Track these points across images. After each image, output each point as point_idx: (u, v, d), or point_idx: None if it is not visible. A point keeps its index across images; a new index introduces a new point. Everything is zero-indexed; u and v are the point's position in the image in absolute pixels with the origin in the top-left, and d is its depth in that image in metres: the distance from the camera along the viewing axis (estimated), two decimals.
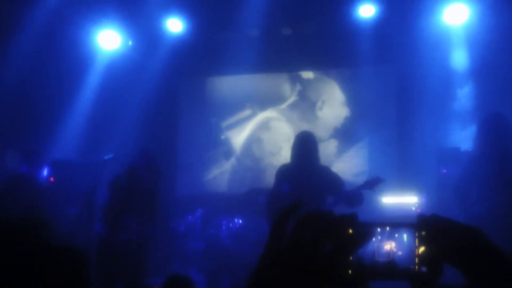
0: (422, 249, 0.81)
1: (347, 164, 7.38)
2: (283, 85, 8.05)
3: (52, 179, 6.73)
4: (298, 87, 8.00)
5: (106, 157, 5.24)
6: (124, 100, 7.34)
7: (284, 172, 4.94)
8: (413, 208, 5.91)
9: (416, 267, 0.80)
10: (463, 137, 5.83)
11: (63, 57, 6.88)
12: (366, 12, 6.85)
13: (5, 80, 6.34)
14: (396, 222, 0.83)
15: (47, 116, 7.04)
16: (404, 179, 6.44)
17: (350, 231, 0.78)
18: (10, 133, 6.85)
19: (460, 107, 6.52)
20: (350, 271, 0.78)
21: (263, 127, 7.99)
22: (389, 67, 7.62)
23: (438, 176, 6.07)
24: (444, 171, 6.04)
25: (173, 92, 8.19)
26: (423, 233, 0.82)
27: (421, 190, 5.95)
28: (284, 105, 7.98)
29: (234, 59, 7.28)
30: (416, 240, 0.82)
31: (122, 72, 7.40)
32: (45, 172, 6.61)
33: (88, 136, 7.10)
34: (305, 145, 4.85)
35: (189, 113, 8.21)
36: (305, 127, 7.11)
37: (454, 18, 6.57)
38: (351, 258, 0.78)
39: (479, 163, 4.62)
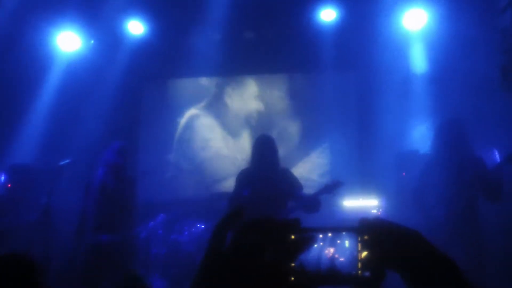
0: (364, 253, 0.80)
1: (311, 165, 7.41)
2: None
3: (9, 185, 6.55)
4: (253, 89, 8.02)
5: (63, 162, 5.15)
6: (84, 103, 7.21)
7: (244, 176, 4.94)
8: (374, 211, 5.97)
9: (359, 271, 0.79)
10: (422, 141, 5.92)
11: (21, 59, 6.72)
12: (327, 16, 6.91)
13: None
14: (338, 227, 0.82)
15: (4, 119, 6.85)
16: (365, 182, 6.50)
17: (292, 236, 0.77)
18: None
19: (419, 111, 6.63)
20: (292, 278, 0.77)
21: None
22: (350, 71, 7.70)
23: (398, 179, 6.16)
24: (404, 174, 6.13)
25: (134, 94, 8.08)
26: (366, 237, 0.81)
27: (381, 193, 6.02)
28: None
29: (195, 61, 7.24)
30: (359, 245, 0.81)
31: (82, 74, 7.27)
32: (1, 178, 6.44)
33: (47, 140, 6.94)
34: (264, 148, 4.86)
35: (151, 116, 8.12)
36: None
37: (413, 23, 6.68)
38: (293, 264, 0.77)
39: (435, 168, 4.70)
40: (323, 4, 6.85)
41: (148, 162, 7.82)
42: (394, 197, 5.89)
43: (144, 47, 7.38)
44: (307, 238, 0.76)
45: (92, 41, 7.28)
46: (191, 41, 7.39)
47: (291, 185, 4.84)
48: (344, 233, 0.82)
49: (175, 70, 7.80)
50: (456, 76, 6.31)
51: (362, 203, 6.01)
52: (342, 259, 0.80)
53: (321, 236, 0.81)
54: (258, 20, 7.22)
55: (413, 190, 4.90)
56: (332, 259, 0.80)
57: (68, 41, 7.10)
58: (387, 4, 6.48)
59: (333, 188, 4.84)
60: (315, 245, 0.80)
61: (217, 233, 0.79)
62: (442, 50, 6.48)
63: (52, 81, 7.22)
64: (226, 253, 0.76)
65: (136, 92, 8.13)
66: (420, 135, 6.17)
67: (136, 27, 7.18)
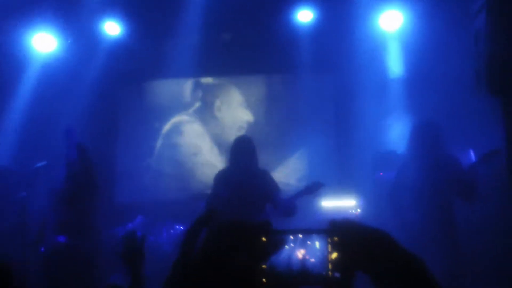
0: (334, 254, 0.81)
1: (289, 170, 7.43)
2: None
3: None
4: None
5: (38, 164, 5.09)
6: (61, 105, 7.12)
7: (222, 177, 4.93)
8: (352, 211, 6.02)
9: (329, 272, 0.80)
10: (399, 141, 5.98)
11: None
12: (304, 17, 6.95)
13: None
14: (309, 229, 0.83)
15: None
16: (343, 182, 6.54)
17: (263, 238, 0.77)
18: None
19: (396, 111, 6.69)
20: (264, 279, 0.77)
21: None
22: (327, 72, 7.74)
23: (375, 179, 6.22)
24: (381, 174, 6.19)
25: (111, 96, 8.02)
26: (335, 238, 0.82)
27: (359, 193, 6.07)
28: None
29: (172, 63, 7.22)
30: (329, 246, 0.81)
31: (58, 76, 7.18)
32: None
33: (22, 142, 6.85)
34: (243, 149, 4.86)
35: (129, 118, 8.06)
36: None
37: (389, 24, 6.75)
38: (264, 266, 0.77)
39: (411, 168, 4.74)
40: (300, 5, 6.89)
41: (125, 164, 7.78)
42: (372, 197, 5.94)
43: (120, 48, 7.34)
44: (278, 240, 0.77)
45: (69, 41, 7.20)
46: (168, 43, 7.37)
47: (269, 187, 4.84)
48: (314, 234, 0.82)
49: (152, 72, 7.76)
50: (431, 77, 6.39)
51: (341, 204, 6.05)
52: (312, 260, 0.81)
53: (291, 237, 0.82)
54: (235, 22, 7.22)
55: (389, 190, 4.95)
56: (303, 260, 0.81)
57: (43, 42, 7.03)
58: (364, 6, 6.54)
59: (313, 189, 4.85)
60: (286, 247, 0.81)
61: (189, 234, 0.79)
62: (418, 51, 6.55)
63: (28, 82, 7.13)
64: (197, 255, 0.76)
65: (113, 93, 8.06)
66: (397, 136, 6.22)
67: (112, 28, 7.13)
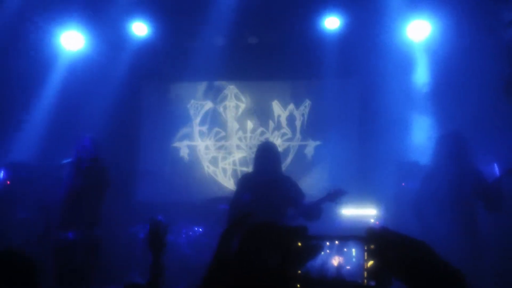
0: (370, 263, 0.80)
1: (311, 179, 7.40)
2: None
3: (8, 182, 6.55)
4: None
5: (64, 161, 5.15)
6: (86, 103, 7.21)
7: (246, 181, 4.96)
8: (372, 221, 5.97)
9: (365, 281, 0.80)
10: (423, 152, 5.92)
11: (24, 57, 6.73)
12: (331, 24, 6.93)
13: None
14: (345, 236, 0.82)
15: (7, 116, 6.85)
16: (364, 191, 6.49)
17: (299, 244, 0.77)
18: None
19: (421, 122, 6.63)
20: (298, 285, 0.77)
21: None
22: (352, 80, 7.71)
23: (397, 189, 6.16)
24: (403, 184, 6.13)
25: (136, 96, 8.09)
26: (372, 246, 0.81)
27: (380, 203, 6.02)
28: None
29: (198, 65, 7.25)
30: (365, 254, 0.81)
31: (84, 74, 7.28)
32: (1, 174, 6.44)
33: (48, 138, 6.93)
34: (267, 155, 4.88)
35: (152, 118, 8.12)
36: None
37: (416, 33, 6.70)
38: (299, 271, 0.77)
39: (436, 179, 4.70)
40: (328, 12, 6.87)
41: (147, 164, 7.83)
42: (393, 207, 5.88)
43: (147, 49, 7.39)
44: (314, 246, 0.76)
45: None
46: (194, 45, 7.41)
47: (291, 192, 4.84)
48: (350, 241, 0.82)
49: (177, 73, 7.80)
50: (458, 88, 6.32)
51: (361, 212, 6.01)
52: (348, 267, 0.80)
53: (328, 244, 0.81)
54: (261, 26, 7.24)
55: (412, 201, 4.90)
56: (338, 267, 0.81)
57: (71, 41, 7.12)
58: (392, 15, 6.49)
59: (335, 196, 4.85)
60: (322, 253, 0.80)
61: (225, 237, 0.80)
62: (444, 61, 6.50)
63: (55, 79, 7.22)
64: (232, 259, 0.76)
65: (137, 93, 8.13)
66: (421, 146, 6.16)
67: (140, 29, 7.19)
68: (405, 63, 6.92)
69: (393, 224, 5.58)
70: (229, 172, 7.85)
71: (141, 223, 6.55)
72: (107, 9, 6.67)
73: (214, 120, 8.01)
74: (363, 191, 6.49)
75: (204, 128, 8.00)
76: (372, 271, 0.80)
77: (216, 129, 7.99)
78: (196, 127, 8.02)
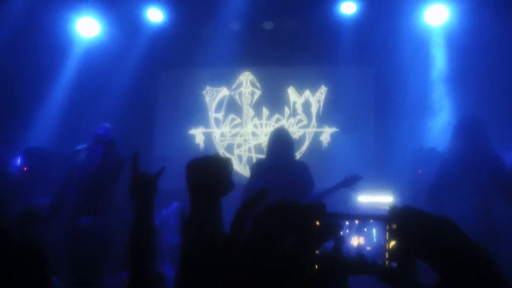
0: (392, 243, 0.77)
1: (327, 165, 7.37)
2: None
3: (25, 168, 6.61)
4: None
5: (79, 147, 5.17)
6: (102, 89, 7.24)
7: (260, 167, 4.94)
8: (388, 208, 5.92)
9: (386, 262, 0.77)
10: (440, 138, 5.86)
11: (40, 44, 6.76)
12: (348, 9, 6.86)
13: None
14: (366, 215, 0.79)
15: (23, 103, 6.90)
16: (381, 178, 6.44)
17: (317, 223, 0.74)
18: None
19: (438, 107, 6.55)
20: (316, 266, 0.74)
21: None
22: (369, 65, 7.63)
23: (414, 176, 6.10)
24: (420, 171, 6.07)
25: (151, 82, 8.09)
26: (394, 226, 0.78)
27: (397, 190, 5.97)
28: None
29: (214, 52, 7.22)
30: (387, 234, 0.78)
31: (100, 61, 7.28)
32: (18, 161, 6.49)
33: (64, 125, 6.98)
34: (280, 141, 4.86)
35: (168, 105, 8.12)
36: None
37: (434, 18, 6.61)
38: (317, 251, 0.74)
39: (453, 166, 4.64)
40: None
41: (162, 150, 7.83)
42: (409, 194, 5.83)
43: (162, 35, 7.38)
44: (332, 225, 0.73)
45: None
46: (209, 31, 7.38)
47: (303, 182, 4.82)
48: (371, 221, 0.79)
49: (192, 59, 7.77)
50: (476, 74, 6.23)
51: (377, 199, 5.97)
52: (368, 248, 0.77)
53: (347, 223, 0.79)
54: (277, 11, 7.19)
55: (429, 188, 4.85)
56: (358, 247, 0.78)
57: (87, 27, 7.13)
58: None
59: (351, 182, 4.82)
60: (341, 233, 0.78)
61: (240, 215, 0.77)
62: (463, 47, 6.41)
63: (71, 66, 7.26)
64: (248, 236, 0.74)
65: (153, 79, 8.13)
66: (438, 132, 6.10)
67: (155, 15, 7.17)
68: (422, 48, 6.83)
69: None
70: (244, 159, 7.83)
71: (156, 210, 6.57)
72: None
73: (230, 107, 7.99)
74: (379, 178, 6.44)
75: (220, 115, 7.99)
76: (394, 252, 0.77)
77: (232, 116, 7.97)
78: (212, 113, 8.01)
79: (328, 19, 7.03)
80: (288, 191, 4.63)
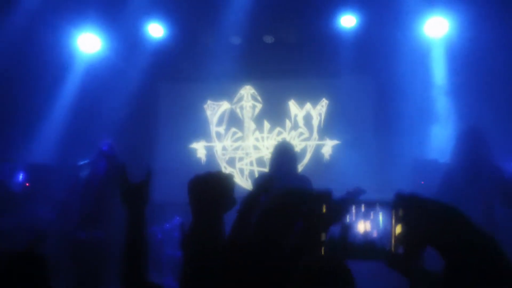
0: (398, 229, 0.77)
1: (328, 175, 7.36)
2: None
3: (27, 184, 6.60)
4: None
5: (81, 162, 5.19)
6: (103, 104, 7.26)
7: (262, 181, 4.93)
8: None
9: (392, 247, 0.76)
10: (442, 149, 5.85)
11: (41, 59, 6.78)
12: (348, 22, 6.89)
13: None
14: (372, 201, 0.79)
15: (24, 118, 6.91)
16: (383, 190, 6.41)
17: (324, 208, 0.74)
18: None
19: (440, 119, 6.56)
20: (323, 250, 0.74)
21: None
22: (369, 78, 7.66)
23: (416, 187, 6.08)
24: (422, 182, 6.06)
25: (153, 96, 8.12)
26: (401, 212, 0.77)
27: None
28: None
29: (214, 65, 7.25)
30: (393, 220, 0.77)
31: (101, 76, 7.31)
32: (20, 177, 6.48)
33: (66, 140, 6.99)
34: (283, 154, 4.86)
35: (168, 119, 8.13)
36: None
37: (434, 31, 6.63)
38: (324, 236, 0.74)
39: (455, 177, 4.64)
40: (344, 10, 6.83)
41: (164, 164, 7.82)
42: None
43: (163, 50, 7.41)
44: (339, 210, 0.73)
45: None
46: (210, 45, 7.43)
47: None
48: (378, 207, 0.78)
49: (193, 74, 7.81)
50: (476, 84, 6.25)
51: None
52: (375, 233, 0.77)
53: (354, 208, 0.78)
54: (277, 25, 7.23)
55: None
56: (365, 233, 0.77)
57: (88, 43, 7.16)
58: (409, 12, 6.44)
59: (354, 195, 4.80)
60: (347, 218, 0.77)
61: (247, 203, 0.78)
62: (463, 58, 6.44)
63: (72, 82, 7.28)
64: (256, 223, 0.74)
65: (154, 94, 8.15)
66: (440, 144, 6.09)
67: (156, 30, 7.21)
68: (422, 61, 6.86)
69: None
70: (246, 172, 7.83)
71: (158, 224, 6.57)
72: (123, 11, 6.69)
73: (231, 121, 8.01)
74: (381, 190, 6.41)
75: (221, 129, 8.00)
76: (401, 238, 0.76)
77: (233, 129, 7.98)
78: (213, 127, 8.02)
79: (328, 32, 7.06)
80: None
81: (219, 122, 8.01)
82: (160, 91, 8.27)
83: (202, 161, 7.91)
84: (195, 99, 8.10)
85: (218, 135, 7.99)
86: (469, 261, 0.73)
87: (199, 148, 7.95)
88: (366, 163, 7.13)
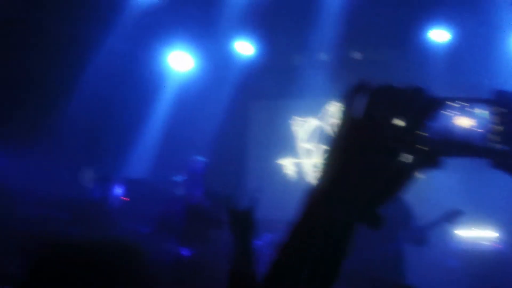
0: (500, 126, 0.73)
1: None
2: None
3: (127, 198, 6.83)
4: None
5: (177, 178, 5.31)
6: (195, 121, 7.42)
7: None
8: (490, 244, 5.57)
9: (493, 144, 0.73)
10: None
11: (135, 78, 7.07)
12: (439, 37, 6.67)
13: (82, 101, 6.55)
14: (471, 97, 0.74)
15: (121, 135, 7.21)
16: (483, 211, 6.08)
17: (418, 103, 0.74)
18: (87, 151, 7.04)
19: None
20: (423, 146, 0.73)
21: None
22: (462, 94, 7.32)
23: None
24: None
25: (243, 114, 8.21)
26: (503, 110, 0.73)
27: (502, 225, 5.61)
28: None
29: (303, 82, 7.25)
30: (495, 117, 0.72)
31: (192, 94, 7.51)
32: (119, 191, 6.71)
33: (161, 155, 7.22)
34: None
35: (258, 135, 8.19)
36: None
37: None
38: (420, 131, 0.73)
39: None
40: (435, 24, 6.63)
41: (254, 181, 7.87)
42: None
43: (252, 67, 7.51)
44: (435, 104, 0.70)
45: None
46: (299, 62, 7.44)
47: (404, 213, 4.63)
48: (477, 103, 0.74)
49: (282, 90, 7.83)
50: None
51: (479, 234, 5.64)
52: (473, 129, 0.72)
53: (452, 104, 0.74)
54: (366, 41, 7.14)
55: None
56: (463, 129, 0.73)
57: (179, 60, 7.40)
58: (502, 27, 6.15)
59: (453, 217, 4.60)
60: (446, 113, 0.72)
61: (347, 100, 0.79)
62: None
63: (165, 99, 7.53)
64: (359, 120, 0.77)
65: (244, 111, 8.25)
66: None
67: (246, 48, 7.34)
68: None
69: None
70: None
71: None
72: (214, 29, 6.86)
73: (320, 137, 7.94)
74: (481, 211, 6.09)
75: (310, 145, 7.95)
76: (502, 135, 0.73)
77: (322, 146, 7.90)
78: (302, 144, 7.99)
79: (418, 48, 6.87)
80: (390, 223, 4.47)
81: (308, 139, 7.97)
82: (250, 108, 8.36)
83: (291, 177, 7.89)
84: (284, 115, 8.12)
85: (307, 151, 7.95)
86: None
87: (287, 164, 7.95)
88: (463, 183, 6.79)
